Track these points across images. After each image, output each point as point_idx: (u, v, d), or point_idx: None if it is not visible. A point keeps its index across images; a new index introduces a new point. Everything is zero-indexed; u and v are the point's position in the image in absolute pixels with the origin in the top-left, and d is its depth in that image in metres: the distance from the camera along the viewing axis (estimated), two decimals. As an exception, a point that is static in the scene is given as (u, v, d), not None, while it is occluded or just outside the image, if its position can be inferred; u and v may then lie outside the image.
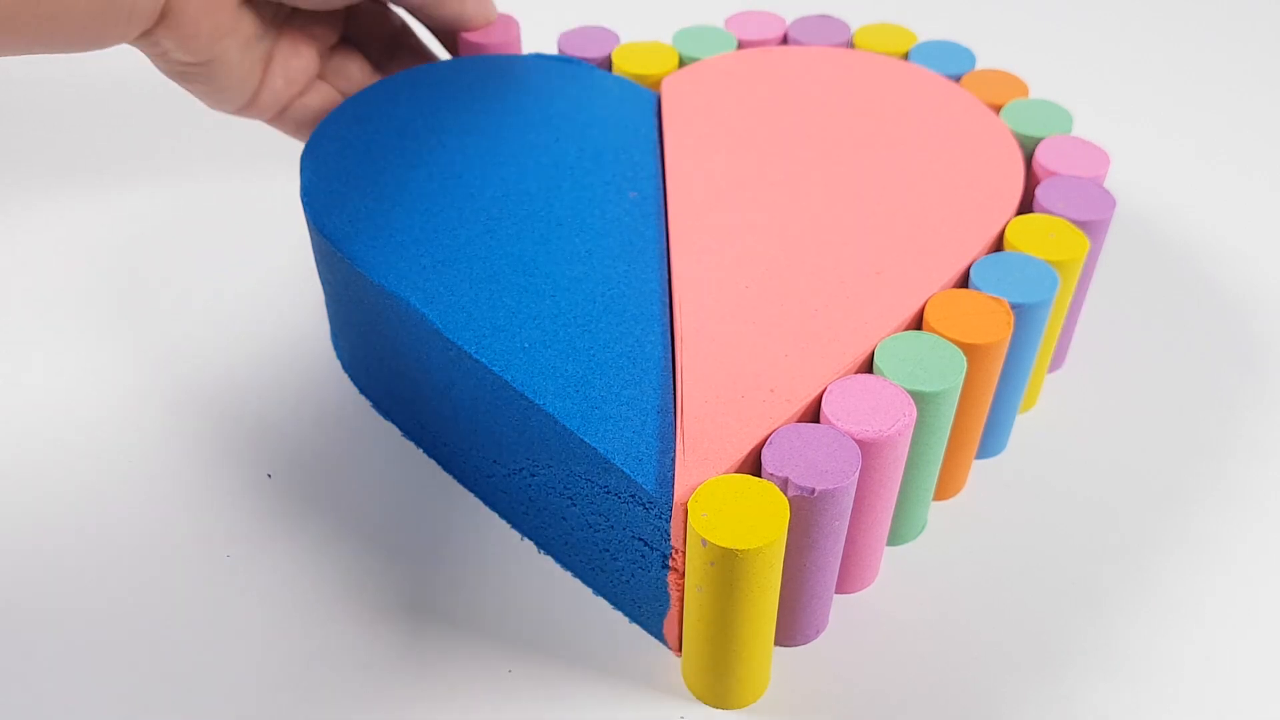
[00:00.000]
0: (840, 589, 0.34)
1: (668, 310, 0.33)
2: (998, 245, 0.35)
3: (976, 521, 0.36)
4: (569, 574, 0.34)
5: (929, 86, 0.41)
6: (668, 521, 0.28)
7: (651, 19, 0.51)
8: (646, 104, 0.41)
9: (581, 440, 0.29)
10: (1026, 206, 0.37)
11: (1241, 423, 0.39)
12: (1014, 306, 0.32)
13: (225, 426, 0.39)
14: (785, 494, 0.27)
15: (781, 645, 0.33)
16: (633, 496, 0.29)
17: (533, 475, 0.33)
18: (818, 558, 0.30)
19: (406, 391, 0.37)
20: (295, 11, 0.39)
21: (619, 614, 0.33)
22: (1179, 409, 0.40)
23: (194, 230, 0.47)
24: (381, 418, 0.39)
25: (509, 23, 0.43)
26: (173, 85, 0.40)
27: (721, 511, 0.26)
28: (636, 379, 0.31)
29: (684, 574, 0.29)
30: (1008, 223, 0.35)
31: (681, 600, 0.31)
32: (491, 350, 0.32)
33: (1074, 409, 0.40)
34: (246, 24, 0.37)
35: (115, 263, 0.45)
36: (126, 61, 0.43)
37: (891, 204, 0.36)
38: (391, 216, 0.36)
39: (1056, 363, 0.41)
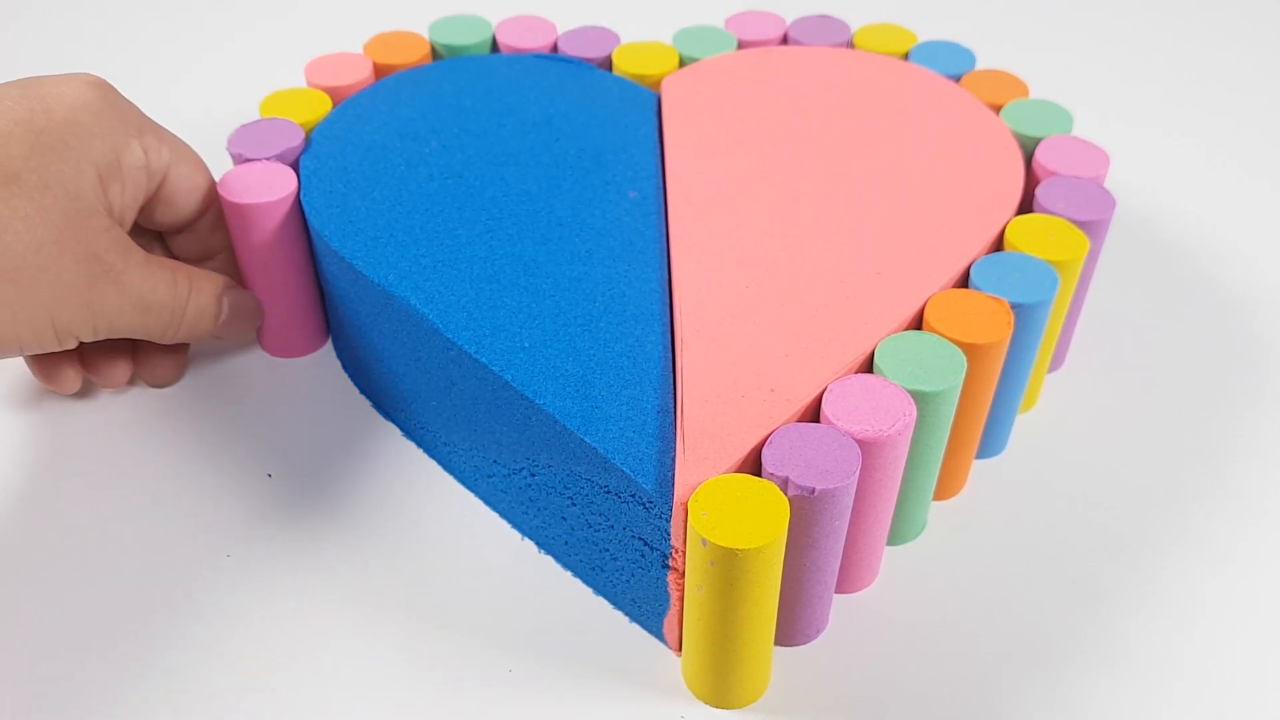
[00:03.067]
0: (840, 589, 0.34)
1: (668, 310, 0.33)
2: (998, 245, 0.35)
3: (976, 521, 0.36)
4: (569, 574, 0.34)
5: (929, 86, 0.41)
6: (668, 521, 0.28)
7: (651, 19, 0.51)
8: (646, 104, 0.41)
9: (581, 440, 0.29)
10: (1026, 206, 0.37)
11: (1241, 423, 0.39)
12: (1014, 306, 0.32)
13: (225, 426, 0.39)
14: (785, 493, 0.27)
15: (781, 645, 0.33)
16: (633, 496, 0.29)
17: (533, 475, 0.33)
18: (818, 557, 0.30)
19: (407, 391, 0.37)
20: None
21: (619, 614, 0.33)
22: (1179, 409, 0.40)
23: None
24: (381, 418, 0.39)
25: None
26: (169, 89, 0.40)
27: (721, 511, 0.26)
28: (636, 379, 0.31)
29: (684, 574, 0.29)
30: (1008, 223, 0.35)
31: (681, 600, 0.31)
32: (491, 350, 0.32)
33: (1074, 409, 0.40)
34: None
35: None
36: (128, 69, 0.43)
37: (891, 204, 0.36)
38: (391, 216, 0.36)
39: (1056, 363, 0.41)
